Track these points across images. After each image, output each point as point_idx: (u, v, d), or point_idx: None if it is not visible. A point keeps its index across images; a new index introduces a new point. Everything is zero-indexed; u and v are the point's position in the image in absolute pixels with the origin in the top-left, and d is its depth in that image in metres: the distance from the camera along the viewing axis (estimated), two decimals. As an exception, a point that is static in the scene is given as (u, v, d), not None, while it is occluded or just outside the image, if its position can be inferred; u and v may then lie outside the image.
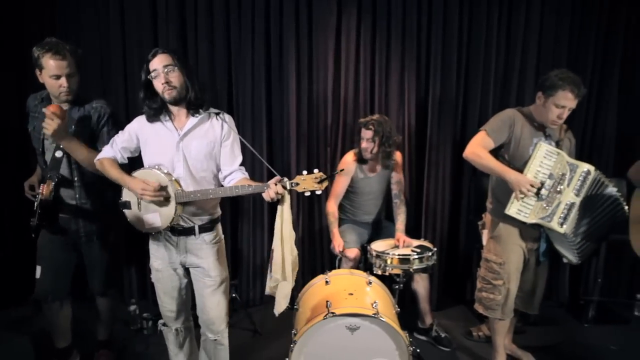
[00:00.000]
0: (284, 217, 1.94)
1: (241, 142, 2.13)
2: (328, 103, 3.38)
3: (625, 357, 2.94)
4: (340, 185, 3.07)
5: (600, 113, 3.49)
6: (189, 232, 2.10)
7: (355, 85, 3.39)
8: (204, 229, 2.12)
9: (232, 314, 3.33)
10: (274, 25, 3.25)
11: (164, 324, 2.29)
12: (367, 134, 2.95)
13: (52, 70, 2.17)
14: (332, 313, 2.18)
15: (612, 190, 2.38)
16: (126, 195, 2.10)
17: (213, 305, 2.16)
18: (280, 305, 2.04)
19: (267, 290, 2.06)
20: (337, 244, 2.94)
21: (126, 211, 2.12)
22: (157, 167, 2.02)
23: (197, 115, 2.04)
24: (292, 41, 3.27)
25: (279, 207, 1.94)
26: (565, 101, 2.32)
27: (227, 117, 2.12)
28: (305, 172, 1.88)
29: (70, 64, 2.21)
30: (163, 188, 1.96)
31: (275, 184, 1.86)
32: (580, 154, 3.46)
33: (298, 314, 2.50)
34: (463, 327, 3.24)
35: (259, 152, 3.32)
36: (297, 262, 2.05)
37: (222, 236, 2.24)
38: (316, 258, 3.57)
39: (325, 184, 1.86)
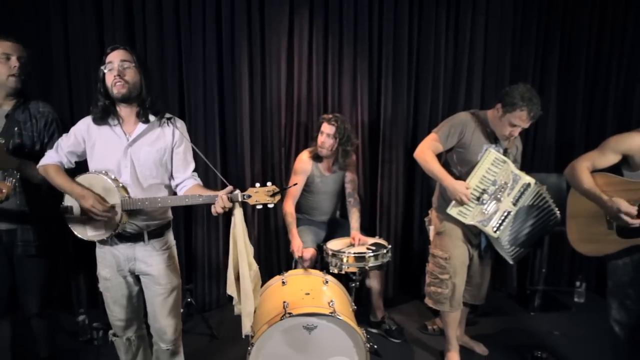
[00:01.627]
0: (237, 231, 1.88)
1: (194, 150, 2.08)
2: (281, 103, 3.37)
3: (567, 341, 3.12)
4: (297, 185, 3.07)
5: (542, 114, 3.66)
6: (138, 238, 2.02)
7: (309, 85, 3.40)
8: (153, 234, 2.04)
9: (187, 319, 3.27)
10: (225, 24, 3.20)
11: (115, 334, 2.19)
12: (329, 129, 2.96)
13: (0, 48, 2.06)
14: (289, 313, 2.18)
15: (548, 203, 2.55)
16: (68, 200, 1.98)
17: (164, 314, 2.09)
18: (245, 325, 1.95)
19: (235, 311, 1.98)
20: (297, 247, 2.90)
21: (68, 217, 1.99)
22: (104, 172, 1.93)
23: (148, 121, 1.96)
24: (245, 41, 3.24)
25: (232, 219, 1.88)
26: (520, 122, 2.40)
27: (179, 123, 2.05)
28: (258, 185, 1.85)
29: (19, 48, 2.10)
30: (112, 208, 1.87)
31: (226, 196, 1.81)
32: (525, 154, 3.65)
33: (255, 316, 2.47)
34: (418, 321, 3.32)
35: (212, 154, 3.29)
36: (260, 276, 1.99)
37: (174, 242, 2.17)
38: (272, 258, 3.56)
39: (278, 197, 1.85)
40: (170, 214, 2.15)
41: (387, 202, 3.51)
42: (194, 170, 2.09)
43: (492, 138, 2.55)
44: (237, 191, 1.84)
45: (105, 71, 1.89)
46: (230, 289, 1.93)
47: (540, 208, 2.57)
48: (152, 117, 1.97)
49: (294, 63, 3.35)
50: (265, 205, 1.85)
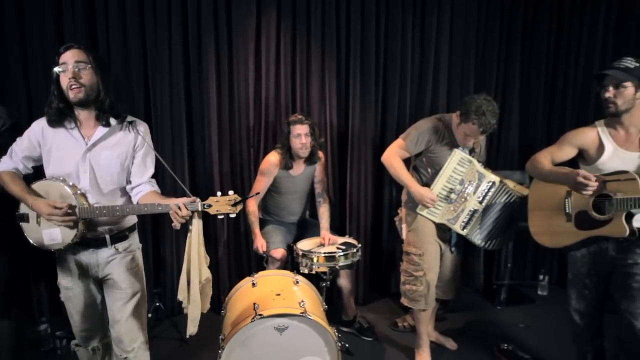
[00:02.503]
0: (192, 240, 1.83)
1: (156, 157, 2.00)
2: (250, 104, 3.34)
3: (532, 333, 3.22)
4: (262, 185, 3.02)
5: (504, 113, 3.77)
6: (100, 243, 1.94)
7: (277, 86, 3.38)
8: (116, 238, 1.97)
9: (156, 324, 3.20)
10: (192, 25, 3.14)
11: (77, 345, 2.10)
12: (304, 129, 2.93)
13: None
14: (260, 315, 2.16)
15: (512, 195, 2.63)
16: (24, 207, 1.88)
17: (122, 321, 1.97)
18: (189, 329, 1.91)
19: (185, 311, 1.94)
20: (260, 244, 2.92)
21: (23, 225, 1.90)
22: (61, 178, 1.84)
23: (108, 124, 1.88)
24: (212, 41, 3.18)
25: (189, 227, 1.82)
26: (471, 133, 2.48)
27: (142, 126, 1.97)
28: (219, 194, 1.81)
29: None
30: (72, 208, 1.79)
31: (184, 205, 1.75)
32: (490, 153, 3.75)
33: (226, 318, 2.45)
34: (389, 319, 3.36)
35: (180, 155, 3.23)
36: (211, 286, 1.95)
37: (139, 245, 2.09)
38: (242, 260, 3.52)
39: (240, 207, 1.81)
40: (134, 216, 2.08)
41: (357, 201, 3.54)
42: (153, 177, 2.01)
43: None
44: (197, 200, 1.78)
45: (59, 72, 1.79)
46: (182, 295, 1.87)
47: (505, 202, 2.65)
48: (113, 121, 1.89)
49: (262, 63, 3.32)
50: (226, 215, 1.81)
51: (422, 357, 2.80)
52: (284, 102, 3.40)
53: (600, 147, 2.15)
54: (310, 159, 3.05)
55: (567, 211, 2.24)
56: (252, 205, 3.02)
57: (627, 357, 2.18)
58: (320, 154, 3.14)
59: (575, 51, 3.72)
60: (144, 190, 1.95)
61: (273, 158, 3.03)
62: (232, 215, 1.82)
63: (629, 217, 2.05)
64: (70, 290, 1.98)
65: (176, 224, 1.77)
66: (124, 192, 1.98)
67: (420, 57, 3.56)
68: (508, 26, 3.66)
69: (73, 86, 1.77)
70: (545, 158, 2.25)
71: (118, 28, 3.05)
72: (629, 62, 2.05)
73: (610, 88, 2.06)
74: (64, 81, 1.79)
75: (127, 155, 1.93)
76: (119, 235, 1.98)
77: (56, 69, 1.80)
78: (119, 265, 1.98)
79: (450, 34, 3.56)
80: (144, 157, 1.97)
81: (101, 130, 1.88)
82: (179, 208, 1.75)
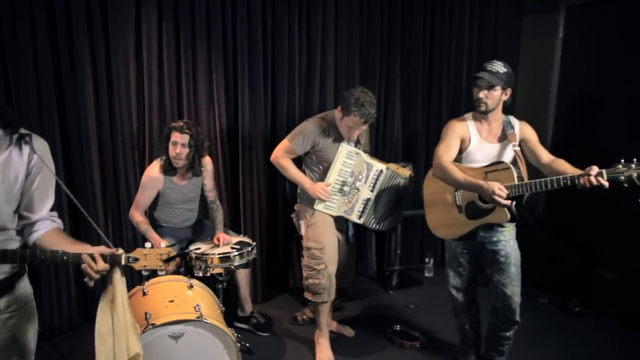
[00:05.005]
0: (117, 304, 1.48)
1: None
2: (132, 105, 3.14)
3: (421, 312, 3.48)
4: (146, 198, 2.86)
5: (388, 108, 3.99)
6: None
7: (160, 85, 3.20)
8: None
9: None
10: (59, 16, 2.83)
11: None
12: (183, 138, 2.76)
13: None
14: (152, 324, 2.07)
15: (398, 179, 2.80)
16: None
17: None
18: None
19: None
20: (156, 240, 2.75)
21: None
22: None
23: None
24: (85, 36, 2.92)
25: (109, 286, 1.48)
26: (354, 125, 2.60)
27: (40, 143, 1.51)
28: (148, 245, 1.52)
29: None
30: None
31: (101, 257, 1.40)
32: (376, 146, 3.96)
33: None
34: (288, 314, 3.40)
35: (55, 164, 2.93)
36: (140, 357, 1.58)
37: (29, 290, 1.60)
38: (132, 268, 3.29)
39: (174, 263, 1.55)
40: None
41: (250, 199, 3.52)
42: (52, 210, 1.60)
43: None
44: (121, 251, 1.46)
45: None
46: None
47: (393, 186, 2.81)
48: None
49: (143, 61, 3.13)
50: (154, 272, 1.55)
51: (323, 347, 2.87)
52: (169, 102, 3.24)
53: (469, 139, 2.40)
54: (192, 171, 2.90)
55: (458, 203, 2.45)
56: (138, 216, 2.85)
57: (502, 322, 2.47)
58: (207, 161, 3.00)
59: (447, 52, 4.06)
60: (43, 228, 1.53)
61: (153, 171, 2.85)
62: (161, 274, 1.59)
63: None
64: None
65: (89, 281, 1.42)
66: (15, 234, 1.52)
67: (307, 57, 3.63)
68: (388, 28, 3.87)
69: None
70: (452, 165, 2.33)
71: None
72: (499, 67, 2.29)
73: (484, 89, 2.29)
74: None
75: (18, 180, 1.46)
76: (2, 285, 1.48)
77: None
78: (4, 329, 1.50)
79: (335, 35, 3.67)
80: (42, 183, 1.52)
81: None
82: (94, 260, 1.41)
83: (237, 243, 2.86)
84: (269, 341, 3.08)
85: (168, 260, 1.51)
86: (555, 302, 3.55)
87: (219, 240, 2.86)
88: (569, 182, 2.03)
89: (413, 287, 3.98)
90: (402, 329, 3.14)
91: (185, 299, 2.33)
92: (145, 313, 2.13)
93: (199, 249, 2.79)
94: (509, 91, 2.32)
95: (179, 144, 2.77)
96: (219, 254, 2.71)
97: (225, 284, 2.77)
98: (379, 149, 3.99)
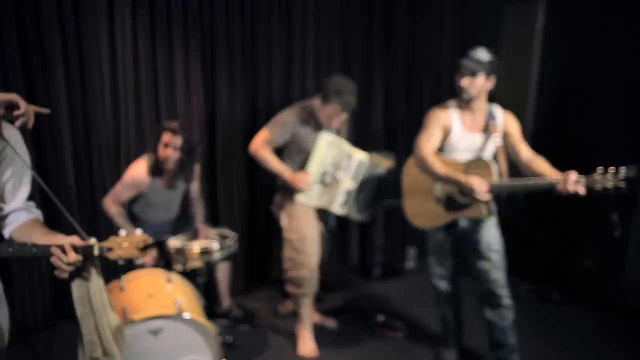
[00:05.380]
0: (93, 288, 1.45)
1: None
2: (106, 97, 3.03)
3: (404, 302, 3.48)
4: (125, 196, 2.76)
5: (370, 98, 3.96)
6: None
7: (136, 75, 3.09)
8: None
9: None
10: (27, 8, 2.72)
11: None
12: (175, 141, 2.67)
13: None
14: (131, 320, 2.01)
15: (381, 170, 2.79)
16: None
17: None
18: None
19: None
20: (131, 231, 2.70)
21: None
22: None
23: None
24: (56, 25, 2.80)
25: (77, 280, 1.46)
26: (335, 113, 2.56)
27: (10, 130, 1.42)
28: (123, 233, 1.44)
29: None
30: None
31: (72, 247, 1.34)
32: (358, 136, 3.92)
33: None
34: (270, 307, 3.37)
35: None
36: (123, 334, 1.63)
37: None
38: (109, 263, 3.21)
39: (153, 251, 1.52)
40: None
41: (229, 191, 3.46)
42: (31, 199, 1.53)
43: (324, 125, 2.69)
44: (94, 241, 1.40)
45: None
46: (95, 352, 1.50)
47: (374, 176, 2.80)
48: None
49: (117, 50, 3.02)
50: (131, 261, 1.47)
51: (305, 340, 2.85)
52: (145, 93, 3.14)
53: (451, 128, 2.37)
54: (185, 176, 2.83)
55: (437, 195, 2.44)
56: (113, 208, 2.74)
57: (492, 307, 2.45)
58: (198, 169, 2.93)
59: (428, 40, 4.04)
60: (19, 220, 1.47)
61: (139, 173, 2.73)
62: (139, 262, 1.53)
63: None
64: None
65: (61, 274, 1.37)
66: None
67: (287, 46, 3.56)
68: (369, 16, 3.82)
69: None
70: (433, 157, 2.32)
71: None
72: (483, 54, 2.26)
73: (467, 77, 2.26)
74: None
75: None
76: None
77: None
78: None
79: (316, 23, 3.61)
80: (17, 173, 1.45)
81: None
82: (64, 252, 1.34)
83: (217, 236, 2.81)
84: (251, 334, 3.04)
85: (145, 249, 1.44)
86: (535, 290, 3.60)
87: (199, 234, 2.81)
88: (547, 187, 2.07)
89: (396, 277, 3.98)
90: (385, 320, 3.14)
91: (165, 293, 2.28)
92: (123, 309, 2.07)
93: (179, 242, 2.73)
94: (493, 79, 2.30)
95: (170, 146, 2.68)
96: (199, 247, 2.65)
97: (206, 277, 2.72)
98: (360, 138, 3.93)
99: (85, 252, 1.39)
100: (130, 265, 2.84)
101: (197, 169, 2.96)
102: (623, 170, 1.93)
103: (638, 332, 3.02)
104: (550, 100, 3.86)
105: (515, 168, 2.38)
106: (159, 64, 3.15)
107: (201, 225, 2.89)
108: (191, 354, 2.18)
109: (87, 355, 1.51)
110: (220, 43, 3.27)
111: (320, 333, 3.00)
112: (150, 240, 1.46)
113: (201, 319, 2.18)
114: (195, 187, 3.01)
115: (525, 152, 2.34)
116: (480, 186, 2.14)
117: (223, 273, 3.05)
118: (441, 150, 2.41)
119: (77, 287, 1.46)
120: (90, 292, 1.46)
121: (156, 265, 2.75)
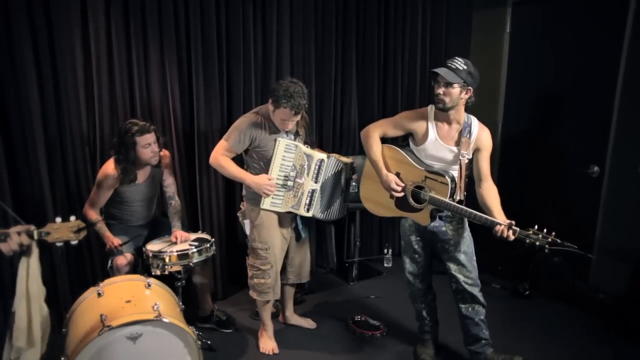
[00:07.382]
0: (30, 271, 1.67)
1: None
2: (80, 98, 2.98)
3: (381, 301, 3.55)
4: (102, 197, 2.77)
5: (344, 100, 4.01)
6: None
7: (110, 76, 3.06)
8: None
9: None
10: None
11: None
12: (152, 137, 2.73)
13: None
14: (109, 326, 1.99)
15: (339, 167, 2.79)
16: None
17: None
18: None
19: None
20: (110, 239, 2.70)
21: None
22: None
23: None
24: (26, 27, 2.73)
25: (23, 258, 1.66)
26: (286, 116, 2.55)
27: None
28: (59, 220, 1.65)
29: None
30: None
31: (18, 234, 1.56)
32: (333, 138, 3.97)
33: (68, 337, 2.20)
34: (249, 309, 3.37)
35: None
36: (49, 321, 1.81)
37: None
38: (86, 269, 3.16)
39: (84, 233, 1.68)
40: None
41: (208, 195, 3.44)
42: None
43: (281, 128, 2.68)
44: (32, 227, 1.61)
45: None
46: (22, 339, 1.67)
47: (335, 174, 2.80)
48: None
49: (91, 51, 2.97)
50: (67, 242, 1.65)
51: (265, 338, 2.93)
52: (120, 96, 3.11)
53: (426, 135, 2.42)
54: (156, 165, 2.87)
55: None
56: (93, 214, 2.75)
57: (465, 303, 2.56)
58: (164, 153, 2.95)
59: (401, 45, 4.10)
60: None
61: (109, 168, 2.74)
62: (74, 242, 1.64)
63: (436, 211, 2.40)
64: None
65: (13, 246, 1.58)
66: None
67: (262, 48, 3.57)
68: (343, 18, 3.86)
69: None
70: (377, 139, 2.52)
71: None
72: (459, 64, 2.26)
73: (442, 86, 2.28)
74: None
75: None
76: None
77: None
78: None
79: (291, 25, 3.62)
80: None
81: None
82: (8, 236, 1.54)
83: (196, 240, 2.81)
84: (230, 337, 3.05)
85: (79, 231, 1.66)
86: (506, 286, 3.71)
87: (176, 237, 2.80)
88: (487, 224, 2.21)
89: (373, 277, 4.04)
90: (362, 319, 3.19)
91: (143, 298, 2.27)
92: (101, 315, 2.05)
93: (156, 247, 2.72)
94: (469, 90, 2.29)
95: (152, 142, 2.74)
96: (177, 251, 2.65)
97: (184, 281, 2.72)
98: (335, 140, 4.01)
99: (27, 235, 1.60)
100: (105, 272, 2.83)
101: (167, 158, 2.98)
102: (551, 236, 2.15)
103: (602, 323, 3.16)
104: (518, 105, 3.98)
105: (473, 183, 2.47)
106: (135, 68, 3.11)
107: (178, 230, 2.88)
108: (171, 359, 2.18)
109: (13, 346, 1.69)
110: (195, 46, 3.24)
111: (299, 333, 3.03)
112: (82, 223, 1.68)
113: (180, 323, 2.17)
114: (169, 178, 2.99)
115: (485, 177, 2.40)
116: (395, 187, 2.41)
117: (201, 277, 3.04)
118: (415, 152, 2.48)
119: (21, 265, 1.67)
120: (29, 272, 1.67)
121: (134, 270, 2.74)
